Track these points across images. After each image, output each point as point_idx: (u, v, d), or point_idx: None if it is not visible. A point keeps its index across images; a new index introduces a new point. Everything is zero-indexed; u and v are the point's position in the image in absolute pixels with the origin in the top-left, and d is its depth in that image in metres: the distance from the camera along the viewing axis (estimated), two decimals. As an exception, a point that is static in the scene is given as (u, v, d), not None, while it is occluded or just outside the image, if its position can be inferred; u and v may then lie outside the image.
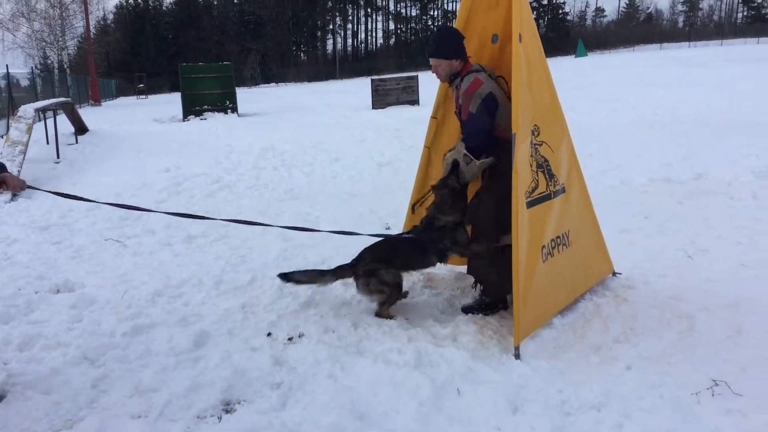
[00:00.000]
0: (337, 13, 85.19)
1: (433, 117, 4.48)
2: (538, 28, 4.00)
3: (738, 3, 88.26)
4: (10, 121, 11.66)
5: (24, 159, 9.51)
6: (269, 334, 3.84)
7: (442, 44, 3.94)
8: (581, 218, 4.26)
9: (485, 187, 4.01)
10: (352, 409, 2.96)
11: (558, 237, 3.90)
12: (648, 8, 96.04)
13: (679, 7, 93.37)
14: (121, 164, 10.69)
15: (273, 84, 62.52)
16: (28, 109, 11.35)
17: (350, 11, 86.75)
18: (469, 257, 4.16)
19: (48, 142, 12.34)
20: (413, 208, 4.42)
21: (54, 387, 3.25)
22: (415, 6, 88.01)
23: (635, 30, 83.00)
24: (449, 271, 4.83)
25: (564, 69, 32.12)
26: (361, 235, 4.21)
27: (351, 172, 9.67)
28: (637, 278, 4.53)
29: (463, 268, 4.52)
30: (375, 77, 22.84)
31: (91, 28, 40.56)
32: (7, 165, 5.81)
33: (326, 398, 3.06)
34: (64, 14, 38.69)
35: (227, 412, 3.03)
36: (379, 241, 4.22)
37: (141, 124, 18.77)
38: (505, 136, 3.75)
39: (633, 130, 11.71)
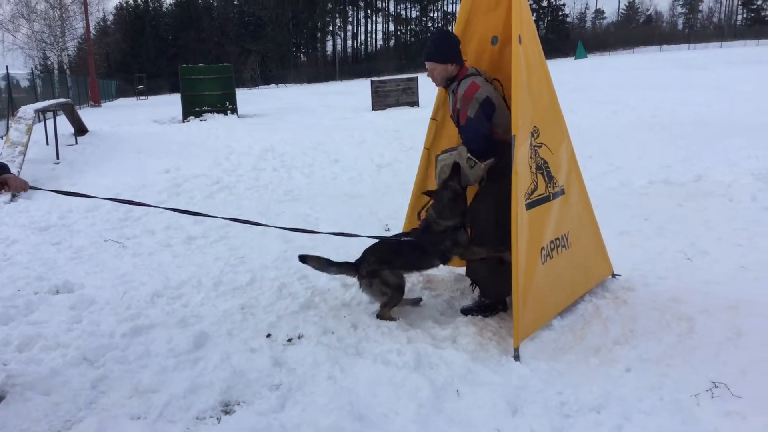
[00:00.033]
0: (337, 15, 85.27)
1: (433, 119, 4.48)
2: (538, 30, 4.01)
3: (738, 5, 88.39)
4: (9, 122, 11.65)
5: (24, 160, 9.51)
6: (268, 336, 3.84)
7: (438, 48, 3.94)
8: (581, 220, 4.27)
9: (485, 188, 4.00)
10: (352, 410, 2.96)
11: (557, 239, 3.90)
12: (648, 10, 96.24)
13: (679, 9, 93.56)
14: (120, 165, 10.69)
15: (273, 85, 62.55)
16: (27, 110, 11.36)
17: (350, 13, 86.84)
18: (469, 259, 4.15)
19: (48, 143, 12.33)
20: (419, 215, 4.40)
21: (53, 388, 3.25)
22: (415, 8, 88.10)
23: (635, 32, 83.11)
24: (449, 273, 4.83)
25: (564, 71, 32.16)
26: (360, 237, 4.21)
27: (351, 173, 9.67)
28: (636, 280, 4.53)
29: (463, 270, 4.52)
30: (375, 79, 22.84)
31: (91, 29, 40.58)
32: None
33: (325, 399, 3.06)
34: (64, 15, 38.74)
35: (226, 413, 3.03)
36: (381, 242, 4.22)
37: (141, 125, 18.77)
38: (503, 138, 3.76)
39: (633, 132, 11.72)
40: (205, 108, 20.11)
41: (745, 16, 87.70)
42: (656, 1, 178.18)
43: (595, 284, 4.34)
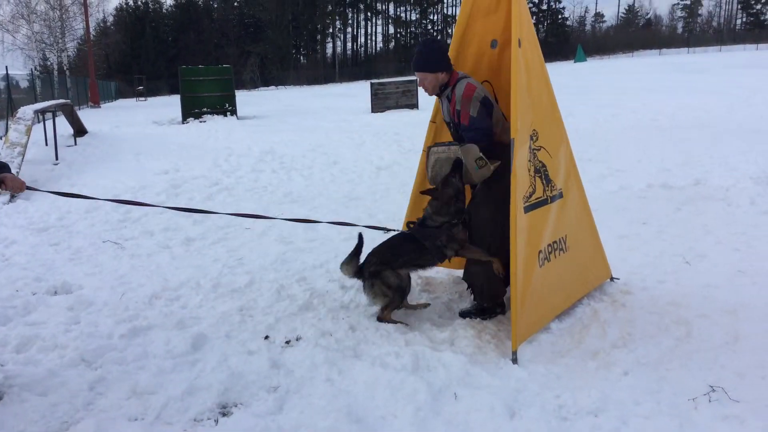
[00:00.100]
0: (337, 17, 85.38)
1: (432, 121, 4.48)
2: (538, 33, 4.01)
3: (737, 9, 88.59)
4: (9, 123, 11.65)
5: (23, 160, 9.50)
6: (267, 337, 3.84)
7: (427, 58, 3.93)
8: (579, 223, 4.27)
9: (484, 190, 4.00)
10: (349, 413, 2.95)
11: (555, 242, 3.90)
12: (647, 14, 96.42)
13: (679, 13, 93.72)
14: (119, 166, 10.69)
15: (272, 87, 62.55)
16: (27, 111, 11.35)
17: (350, 15, 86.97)
18: (466, 258, 4.14)
19: (47, 144, 12.34)
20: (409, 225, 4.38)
21: (51, 389, 3.25)
22: (415, 10, 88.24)
23: (634, 35, 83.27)
24: (447, 276, 4.83)
25: (563, 74, 32.24)
26: (357, 226, 4.18)
27: (350, 175, 9.68)
28: (635, 284, 4.53)
29: (461, 273, 4.51)
30: (374, 81, 22.90)
31: (90, 30, 40.61)
32: (6, 166, 5.80)
33: (323, 402, 3.06)
34: (64, 16, 38.80)
35: (224, 415, 3.03)
36: (382, 243, 4.21)
37: (140, 126, 18.79)
38: (501, 140, 3.77)
39: (632, 136, 11.74)
40: (205, 109, 20.14)
41: (744, 20, 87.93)
42: (656, 4, 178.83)
43: (593, 288, 4.34)
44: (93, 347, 3.70)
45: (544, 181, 3.83)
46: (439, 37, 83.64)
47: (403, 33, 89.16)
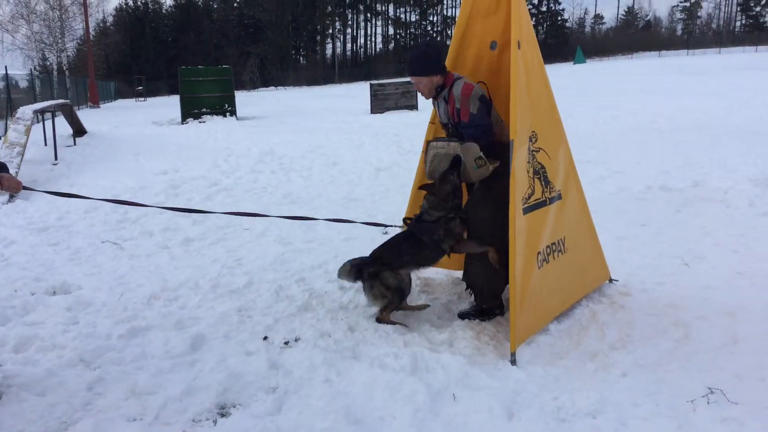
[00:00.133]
0: (337, 18, 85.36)
1: (431, 122, 4.48)
2: (537, 35, 4.02)
3: (736, 11, 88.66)
4: (8, 123, 11.65)
5: (22, 160, 9.50)
6: (265, 338, 3.84)
7: (420, 62, 3.96)
8: (578, 225, 4.27)
9: (482, 190, 4.00)
10: (348, 414, 2.95)
11: (553, 243, 3.90)
12: (647, 16, 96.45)
13: (678, 15, 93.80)
14: (119, 166, 10.69)
15: (272, 88, 62.54)
16: (26, 111, 11.35)
17: (350, 16, 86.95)
18: (463, 253, 4.14)
19: (46, 144, 12.35)
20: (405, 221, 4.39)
21: (49, 389, 3.25)
22: (415, 11, 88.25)
23: (634, 37, 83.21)
24: (446, 277, 4.83)
25: (563, 75, 32.26)
26: (355, 223, 4.17)
27: (349, 176, 9.68)
28: (633, 285, 4.53)
29: (460, 274, 4.52)
30: (374, 82, 22.90)
31: (90, 30, 40.60)
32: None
33: (322, 403, 3.06)
34: (63, 16, 38.79)
35: (222, 415, 3.03)
36: (381, 244, 4.20)
37: (139, 126, 18.78)
38: (500, 140, 3.77)
39: (631, 137, 11.75)
40: (204, 110, 20.15)
41: (743, 22, 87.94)
42: (655, 6, 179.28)
43: (592, 289, 4.34)
44: (91, 347, 3.70)
45: (543, 183, 3.83)
46: (438, 39, 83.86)
47: (403, 34, 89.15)
